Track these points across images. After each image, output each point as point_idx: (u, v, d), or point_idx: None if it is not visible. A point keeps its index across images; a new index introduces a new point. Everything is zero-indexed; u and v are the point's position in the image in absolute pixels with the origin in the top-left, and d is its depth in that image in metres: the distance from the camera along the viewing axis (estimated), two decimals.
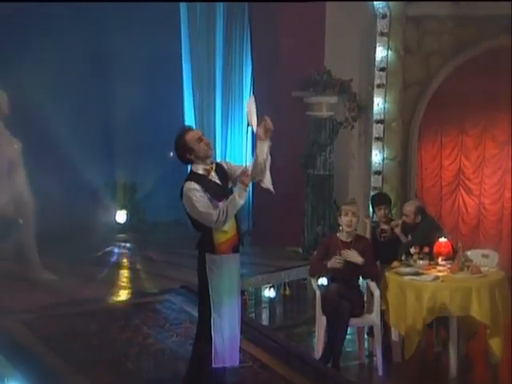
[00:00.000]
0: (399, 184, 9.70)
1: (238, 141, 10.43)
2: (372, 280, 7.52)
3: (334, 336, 7.23)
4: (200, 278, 5.77)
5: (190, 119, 10.22)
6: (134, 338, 6.86)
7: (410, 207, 8.12)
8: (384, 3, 9.37)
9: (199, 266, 5.76)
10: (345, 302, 7.27)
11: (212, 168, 5.68)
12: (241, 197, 5.51)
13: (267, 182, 5.70)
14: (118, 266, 9.24)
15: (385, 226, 8.09)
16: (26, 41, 9.67)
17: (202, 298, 5.77)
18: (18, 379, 5.98)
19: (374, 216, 8.30)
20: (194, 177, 5.61)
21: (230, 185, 5.76)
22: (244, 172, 5.55)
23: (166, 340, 6.91)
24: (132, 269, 9.07)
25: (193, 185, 5.54)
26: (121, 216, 10.74)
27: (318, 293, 7.45)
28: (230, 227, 5.68)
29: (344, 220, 7.48)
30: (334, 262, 7.34)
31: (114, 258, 9.59)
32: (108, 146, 10.69)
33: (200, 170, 5.65)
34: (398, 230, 8.05)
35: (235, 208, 5.52)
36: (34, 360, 6.30)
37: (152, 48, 10.17)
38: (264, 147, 5.65)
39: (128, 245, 10.30)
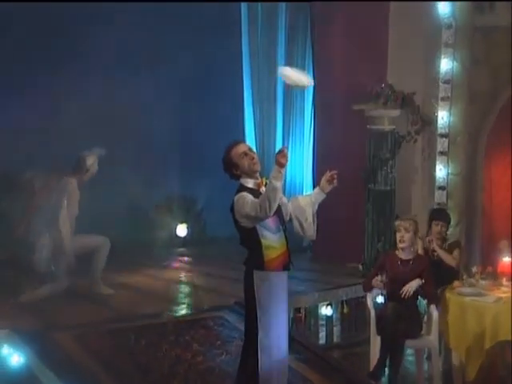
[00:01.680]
0: (464, 200, 9.36)
1: (299, 155, 10.27)
2: (429, 302, 7.23)
3: (387, 356, 6.99)
4: (247, 297, 5.61)
5: (250, 133, 10.10)
6: (183, 355, 6.76)
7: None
8: (450, 13, 9.04)
9: (246, 284, 5.60)
10: (401, 323, 7.02)
11: (263, 183, 5.56)
12: (277, 179, 5.26)
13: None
14: (175, 280, 9.15)
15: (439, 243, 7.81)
16: (83, 61, 9.69)
17: (249, 316, 5.61)
18: None
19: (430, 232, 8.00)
20: (244, 189, 5.51)
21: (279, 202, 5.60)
22: (281, 151, 5.33)
23: (215, 358, 6.79)
24: (189, 284, 8.97)
25: (245, 195, 5.45)
26: (181, 230, 10.66)
27: (372, 312, 7.24)
28: (279, 243, 5.54)
29: (397, 236, 7.29)
30: (376, 282, 7.13)
31: (172, 273, 9.46)
32: (170, 160, 10.59)
33: (250, 183, 5.55)
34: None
35: (274, 191, 5.25)
36: (81, 375, 6.23)
37: (212, 62, 10.09)
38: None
39: (187, 259, 10.21)
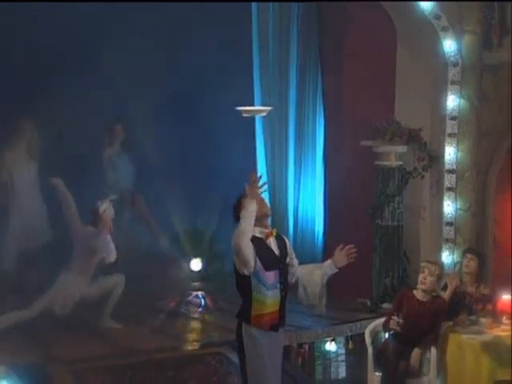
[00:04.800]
0: (474, 235, 9.13)
1: (311, 189, 10.14)
2: (429, 346, 7.04)
3: None
4: (238, 348, 5.47)
5: (261, 166, 9.98)
6: None
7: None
8: (456, 51, 8.89)
9: (237, 336, 5.46)
10: (402, 363, 6.89)
11: (272, 233, 5.43)
12: (245, 218, 5.13)
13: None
14: (184, 315, 9.02)
15: (471, 289, 7.62)
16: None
17: (241, 368, 5.46)
18: None
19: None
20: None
21: (287, 259, 5.52)
22: (252, 180, 5.22)
23: None
24: (196, 319, 8.83)
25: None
26: (195, 264, 10.54)
27: (369, 350, 7.08)
28: (271, 300, 5.34)
29: (420, 277, 7.19)
30: (393, 323, 6.95)
31: (182, 307, 9.34)
32: (189, 194, 10.50)
33: (257, 232, 5.35)
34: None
35: (247, 217, 5.11)
36: None
37: (226, 97, 10.01)
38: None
39: (200, 293, 10.07)
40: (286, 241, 5.60)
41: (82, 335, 7.91)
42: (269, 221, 5.48)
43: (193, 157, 10.50)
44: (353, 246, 5.76)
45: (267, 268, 5.28)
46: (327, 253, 9.91)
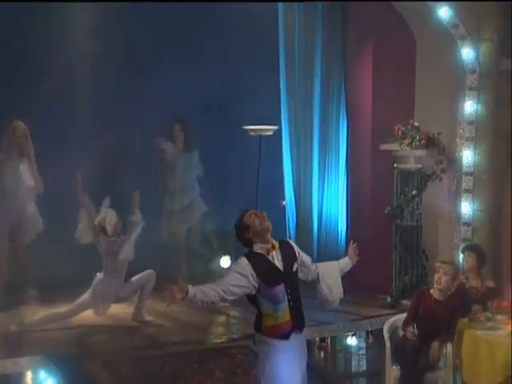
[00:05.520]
0: (491, 235, 9.06)
1: (335, 191, 10.13)
2: (445, 342, 6.97)
3: None
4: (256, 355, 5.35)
5: (287, 169, 9.98)
6: (204, 382, 6.64)
7: None
8: (474, 59, 8.83)
9: (254, 342, 5.35)
10: (423, 358, 6.82)
11: (273, 247, 5.18)
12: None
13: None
14: (213, 309, 9.00)
15: (475, 283, 7.53)
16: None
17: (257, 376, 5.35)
18: None
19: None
20: (250, 254, 5.19)
21: (295, 267, 5.26)
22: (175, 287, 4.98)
23: None
24: (222, 313, 8.82)
25: (243, 260, 5.15)
26: (225, 261, 10.56)
27: (387, 344, 7.03)
28: (280, 313, 5.13)
29: (435, 276, 7.13)
30: (409, 333, 6.90)
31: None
32: (216, 197, 10.52)
33: (258, 248, 5.17)
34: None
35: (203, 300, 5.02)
36: None
37: (252, 100, 10.04)
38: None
39: None
40: (292, 244, 5.38)
41: (115, 328, 7.96)
42: (270, 234, 5.20)
43: (221, 162, 10.52)
44: (355, 245, 5.70)
45: (271, 285, 5.09)
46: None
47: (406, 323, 7.02)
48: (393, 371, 6.96)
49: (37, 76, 9.38)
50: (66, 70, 9.47)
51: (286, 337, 5.14)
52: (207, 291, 5.04)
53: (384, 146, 9.06)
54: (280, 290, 5.12)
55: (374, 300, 9.23)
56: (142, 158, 10.09)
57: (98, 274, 8.11)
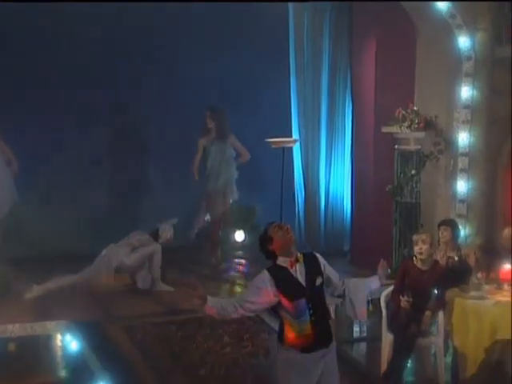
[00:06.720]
0: (484, 211, 9.02)
1: (341, 171, 10.21)
2: (437, 309, 6.96)
3: (400, 357, 6.79)
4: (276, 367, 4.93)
5: (297, 152, 10.04)
6: (214, 347, 6.77)
7: (509, 232, 7.53)
8: (470, 47, 8.75)
9: (277, 354, 4.93)
10: (414, 326, 6.82)
11: (297, 260, 4.79)
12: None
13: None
14: (226, 280, 9.12)
15: (452, 253, 7.51)
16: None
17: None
18: (104, 379, 5.99)
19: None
20: (272, 267, 4.80)
21: (319, 281, 4.80)
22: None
23: (241, 350, 6.74)
24: (236, 283, 8.90)
25: (265, 273, 4.75)
26: (239, 235, 10.63)
27: (384, 312, 7.02)
28: (301, 328, 4.73)
29: (415, 249, 7.07)
30: (404, 303, 6.86)
31: (226, 273, 9.43)
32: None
33: (281, 261, 4.79)
34: (471, 261, 7.46)
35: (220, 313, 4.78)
36: (122, 362, 6.30)
37: (264, 87, 10.02)
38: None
39: (242, 261, 10.14)
40: (318, 257, 4.93)
41: (137, 296, 8.07)
42: (293, 247, 4.82)
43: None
44: (386, 262, 5.34)
45: (292, 299, 4.69)
46: (354, 225, 9.97)
47: (394, 294, 7.02)
48: (388, 337, 6.97)
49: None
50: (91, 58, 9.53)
51: (307, 350, 4.75)
52: (225, 305, 4.79)
53: (386, 129, 9.02)
54: (301, 304, 4.72)
55: (375, 271, 9.20)
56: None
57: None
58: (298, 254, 4.82)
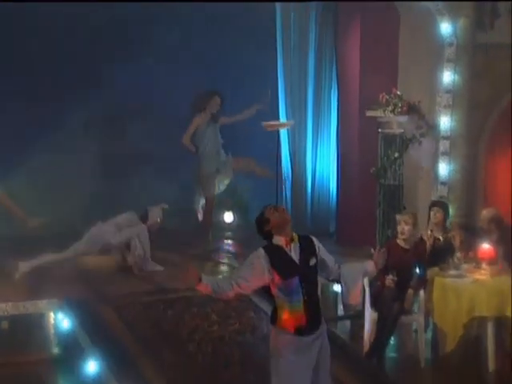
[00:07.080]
0: (465, 193, 9.10)
1: (327, 153, 10.23)
2: (419, 288, 7.03)
3: (383, 335, 6.88)
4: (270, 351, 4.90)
5: (284, 135, 10.02)
6: (201, 324, 6.82)
7: (486, 214, 7.56)
8: (451, 33, 8.77)
9: (271, 338, 4.91)
10: (397, 304, 6.91)
11: (292, 240, 4.81)
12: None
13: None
14: (214, 260, 9.15)
15: (438, 234, 7.59)
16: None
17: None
18: (94, 356, 6.04)
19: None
20: (268, 246, 4.83)
21: (312, 261, 4.80)
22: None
23: (228, 327, 6.78)
24: (224, 264, 8.94)
25: (260, 251, 4.77)
26: (228, 216, 10.66)
27: (367, 290, 7.09)
28: (294, 307, 4.73)
29: (398, 228, 7.15)
30: (389, 281, 6.93)
31: (214, 254, 9.44)
32: None
33: (277, 240, 4.81)
34: (456, 242, 7.54)
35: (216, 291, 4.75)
36: (111, 340, 6.34)
37: (254, 71, 10.02)
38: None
39: (230, 241, 10.18)
40: (314, 240, 4.91)
41: (126, 275, 8.11)
42: (290, 227, 4.83)
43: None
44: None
45: (285, 277, 4.71)
46: (340, 207, 10.01)
47: (379, 273, 7.07)
48: (372, 314, 7.05)
49: None
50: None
51: (300, 332, 4.76)
52: (221, 283, 4.79)
53: (370, 113, 9.06)
54: (294, 282, 4.73)
55: (360, 251, 9.25)
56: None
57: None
58: (294, 234, 4.84)
